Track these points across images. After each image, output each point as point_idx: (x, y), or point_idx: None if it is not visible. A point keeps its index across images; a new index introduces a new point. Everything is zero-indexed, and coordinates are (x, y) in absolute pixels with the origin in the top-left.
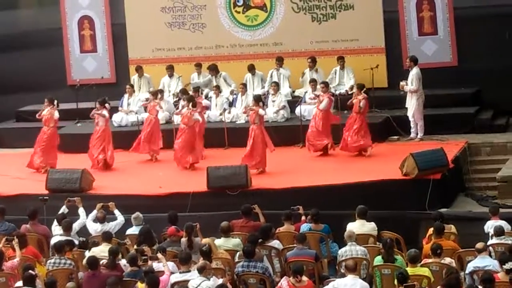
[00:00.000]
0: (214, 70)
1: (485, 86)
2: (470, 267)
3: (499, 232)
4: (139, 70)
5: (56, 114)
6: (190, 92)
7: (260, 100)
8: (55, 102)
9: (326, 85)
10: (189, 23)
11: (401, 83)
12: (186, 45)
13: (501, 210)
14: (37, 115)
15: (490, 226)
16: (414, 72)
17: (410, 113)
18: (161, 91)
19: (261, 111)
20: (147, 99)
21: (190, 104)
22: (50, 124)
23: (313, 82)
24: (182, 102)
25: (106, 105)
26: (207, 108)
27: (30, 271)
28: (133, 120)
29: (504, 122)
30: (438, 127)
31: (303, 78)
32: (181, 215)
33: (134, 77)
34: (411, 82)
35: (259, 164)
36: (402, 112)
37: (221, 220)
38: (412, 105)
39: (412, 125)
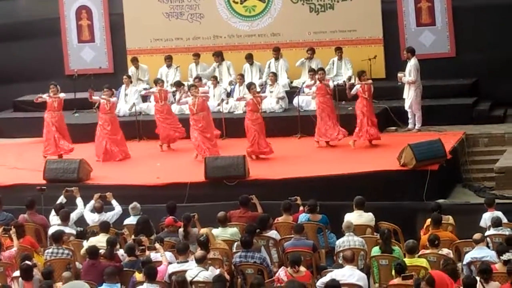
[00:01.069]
0: (219, 56)
1: (483, 77)
2: (467, 258)
3: (496, 223)
4: (134, 61)
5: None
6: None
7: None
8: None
9: (324, 71)
10: (187, 13)
11: (399, 74)
12: (184, 36)
13: (499, 201)
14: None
15: (487, 218)
16: (412, 63)
17: (407, 104)
18: (161, 81)
19: (264, 94)
20: (145, 89)
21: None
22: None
23: (311, 72)
24: (178, 94)
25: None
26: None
27: (27, 261)
28: (131, 111)
29: (502, 113)
30: (436, 118)
31: (302, 64)
32: (178, 205)
33: (130, 69)
34: (409, 73)
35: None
36: (400, 103)
37: (218, 210)
38: (410, 96)
39: (409, 116)
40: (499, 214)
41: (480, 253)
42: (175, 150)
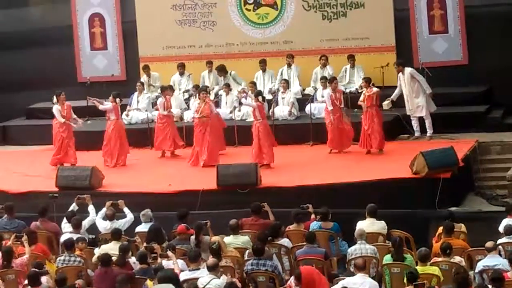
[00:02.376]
0: (222, 70)
1: (496, 84)
2: (479, 266)
3: (509, 231)
4: (145, 69)
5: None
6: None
7: (259, 95)
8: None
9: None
10: (199, 21)
11: (384, 103)
12: (196, 43)
13: None
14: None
15: (505, 224)
16: (409, 71)
17: (417, 112)
18: (171, 87)
19: (251, 102)
20: (157, 97)
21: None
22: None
23: (323, 79)
24: (192, 100)
25: (117, 100)
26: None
27: (35, 268)
28: (142, 118)
29: None
30: (448, 125)
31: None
32: (190, 213)
33: (143, 77)
34: (411, 79)
35: (267, 158)
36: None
37: (230, 218)
38: (422, 102)
39: (414, 123)
40: None
41: (492, 261)
42: (185, 157)
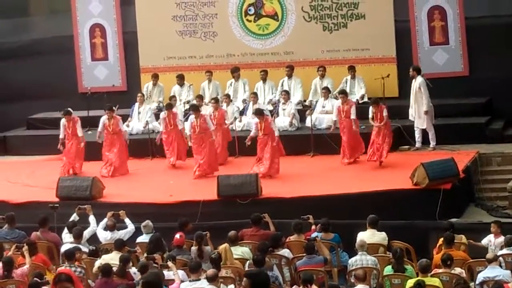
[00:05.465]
0: (236, 72)
1: (496, 95)
2: (480, 277)
3: (509, 242)
4: (154, 78)
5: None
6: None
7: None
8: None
9: (346, 94)
10: (200, 32)
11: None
12: (197, 54)
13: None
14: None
15: None
16: (419, 81)
17: (420, 124)
18: (174, 98)
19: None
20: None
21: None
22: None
23: (325, 89)
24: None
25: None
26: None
27: (36, 278)
28: (143, 129)
29: None
30: (449, 137)
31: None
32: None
33: (148, 84)
34: (418, 90)
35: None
36: (412, 122)
37: (231, 229)
38: (423, 115)
39: (417, 135)
40: None
41: (492, 272)
42: (186, 167)
